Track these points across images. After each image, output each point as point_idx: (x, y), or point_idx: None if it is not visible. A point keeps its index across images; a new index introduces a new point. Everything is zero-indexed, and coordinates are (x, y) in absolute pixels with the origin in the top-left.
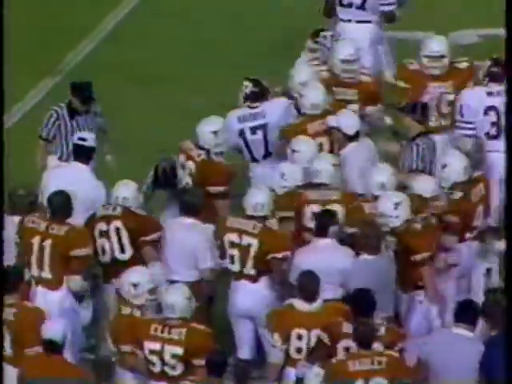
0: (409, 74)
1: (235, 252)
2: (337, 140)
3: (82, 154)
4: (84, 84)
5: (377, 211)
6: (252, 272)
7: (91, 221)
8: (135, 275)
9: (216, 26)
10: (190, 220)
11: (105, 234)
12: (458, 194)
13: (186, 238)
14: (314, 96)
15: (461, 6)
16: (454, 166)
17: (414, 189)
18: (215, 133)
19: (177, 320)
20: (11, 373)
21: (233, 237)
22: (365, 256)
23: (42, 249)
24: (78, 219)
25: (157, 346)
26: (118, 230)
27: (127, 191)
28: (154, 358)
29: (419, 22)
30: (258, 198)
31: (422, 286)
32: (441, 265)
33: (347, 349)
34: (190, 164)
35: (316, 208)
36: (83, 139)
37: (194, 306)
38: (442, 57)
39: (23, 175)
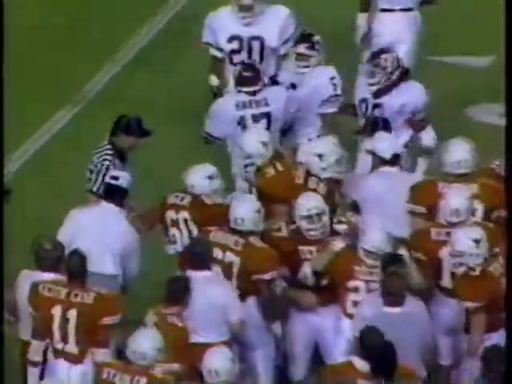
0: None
1: (218, 269)
2: (373, 165)
3: (113, 194)
4: (137, 119)
5: (453, 249)
6: (237, 292)
7: (162, 206)
8: (142, 345)
9: None
10: (207, 272)
11: (175, 224)
12: None
13: (213, 291)
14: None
15: None
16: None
17: None
18: (320, 156)
19: None
20: None
21: (216, 252)
22: (386, 308)
23: (65, 320)
24: (107, 267)
25: None
26: (185, 220)
27: (194, 178)
28: None
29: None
30: (237, 213)
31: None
32: None
33: None
34: None
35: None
36: (115, 178)
37: (237, 368)
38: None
39: (36, 210)
